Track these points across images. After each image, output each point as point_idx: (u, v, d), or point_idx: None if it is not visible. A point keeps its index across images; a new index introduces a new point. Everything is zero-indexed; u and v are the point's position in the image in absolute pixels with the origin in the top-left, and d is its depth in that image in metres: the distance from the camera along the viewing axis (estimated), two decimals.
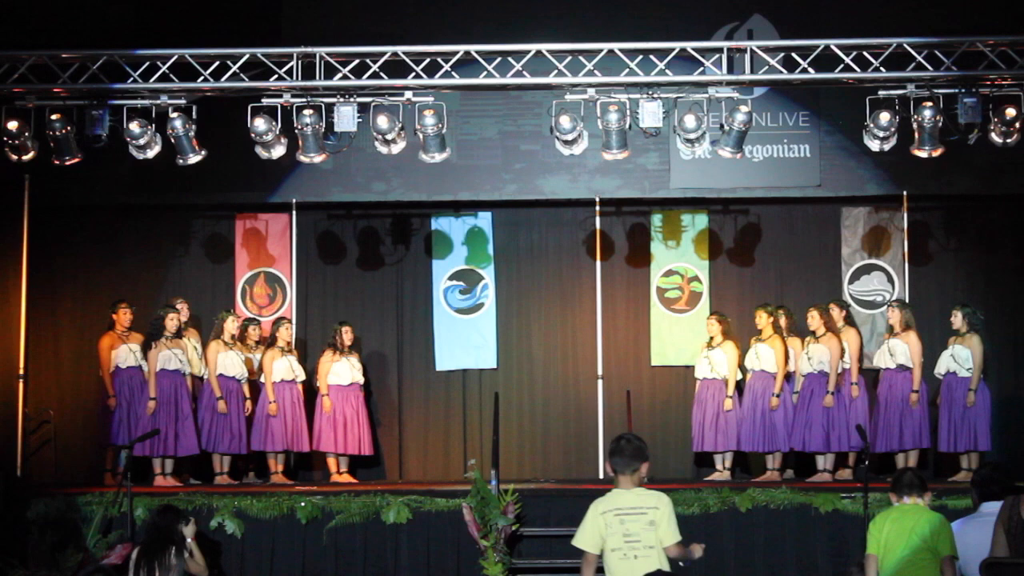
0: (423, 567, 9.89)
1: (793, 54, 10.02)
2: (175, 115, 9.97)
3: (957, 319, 11.09)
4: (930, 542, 6.60)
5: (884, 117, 9.88)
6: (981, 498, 6.84)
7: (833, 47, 9.92)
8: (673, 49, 10.03)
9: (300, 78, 9.99)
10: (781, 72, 10.07)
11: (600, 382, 12.46)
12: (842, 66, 9.92)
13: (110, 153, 10.20)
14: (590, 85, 10.02)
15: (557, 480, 11.79)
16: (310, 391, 11.80)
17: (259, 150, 10.23)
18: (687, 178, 11.97)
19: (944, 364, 11.07)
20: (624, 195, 12.16)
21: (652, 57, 10.05)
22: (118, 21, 11.17)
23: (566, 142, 10.23)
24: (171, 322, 11.13)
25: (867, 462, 9.35)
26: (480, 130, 11.99)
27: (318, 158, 10.29)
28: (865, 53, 9.92)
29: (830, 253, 12.51)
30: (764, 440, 11.23)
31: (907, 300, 11.86)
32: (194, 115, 10.07)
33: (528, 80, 10.11)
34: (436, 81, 10.02)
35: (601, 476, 11.99)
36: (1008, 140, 9.98)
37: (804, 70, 9.98)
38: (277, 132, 10.07)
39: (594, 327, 12.57)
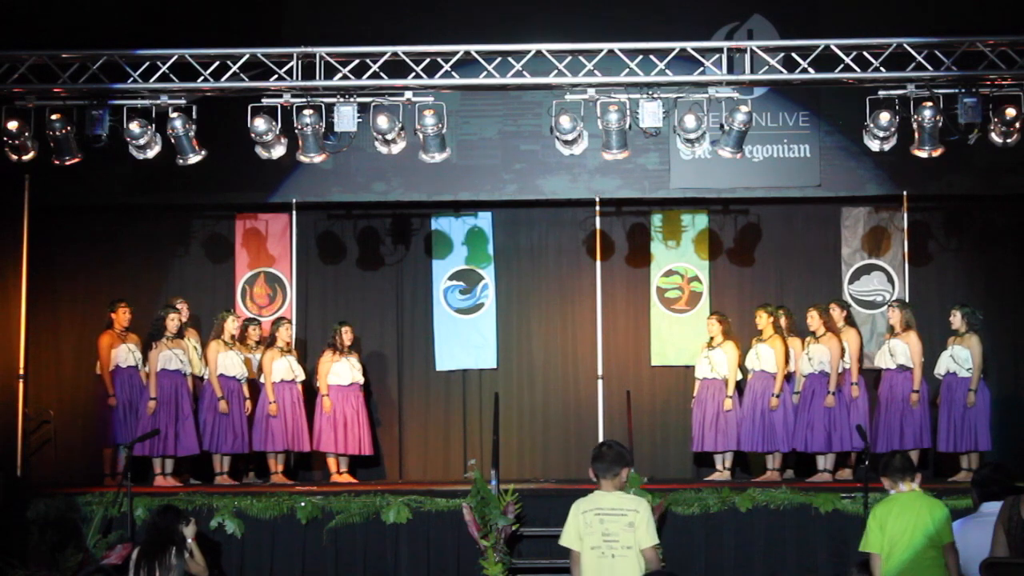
0: (423, 567, 9.90)
1: (793, 54, 10.02)
2: (175, 115, 9.96)
3: (956, 319, 11.10)
4: (935, 538, 6.62)
5: (884, 117, 9.88)
6: (981, 498, 6.84)
7: (833, 47, 9.91)
8: (673, 49, 10.02)
9: (300, 78, 9.98)
10: (781, 72, 10.07)
11: (600, 382, 12.46)
12: (842, 66, 9.91)
13: (110, 153, 10.19)
14: (590, 85, 10.02)
15: (557, 480, 11.79)
16: (310, 391, 11.80)
17: (259, 150, 10.23)
18: (687, 178, 11.97)
19: (944, 364, 11.08)
20: (624, 195, 12.15)
21: (652, 57, 10.05)
22: (118, 21, 11.16)
23: (566, 142, 10.23)
24: (172, 322, 11.13)
25: (867, 462, 9.35)
26: (480, 130, 11.99)
27: (318, 158, 10.28)
28: (865, 53, 9.91)
29: (830, 253, 12.51)
30: (764, 440, 11.23)
31: (907, 300, 11.86)
32: (194, 115, 10.06)
33: (528, 80, 10.10)
34: (436, 81, 10.01)
35: None
36: (1008, 140, 9.97)
37: (804, 70, 9.97)
38: (277, 132, 10.06)
39: (594, 327, 12.57)
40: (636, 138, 10.47)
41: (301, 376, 11.68)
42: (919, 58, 9.84)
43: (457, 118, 11.59)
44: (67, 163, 10.11)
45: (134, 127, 9.90)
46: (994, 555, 6.25)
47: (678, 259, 12.56)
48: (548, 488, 10.86)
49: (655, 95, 9.97)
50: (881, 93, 9.96)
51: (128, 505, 9.57)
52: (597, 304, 12.58)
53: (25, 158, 10.14)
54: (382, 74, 9.99)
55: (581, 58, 10.02)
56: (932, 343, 11.36)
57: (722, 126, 10.09)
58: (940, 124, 9.86)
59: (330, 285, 12.81)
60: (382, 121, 10.04)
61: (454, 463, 12.19)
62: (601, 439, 12.16)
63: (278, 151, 10.27)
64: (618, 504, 6.55)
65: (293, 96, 10.01)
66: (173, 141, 10.04)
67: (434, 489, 10.27)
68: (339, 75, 9.99)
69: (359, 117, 10.01)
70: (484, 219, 12.74)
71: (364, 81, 9.98)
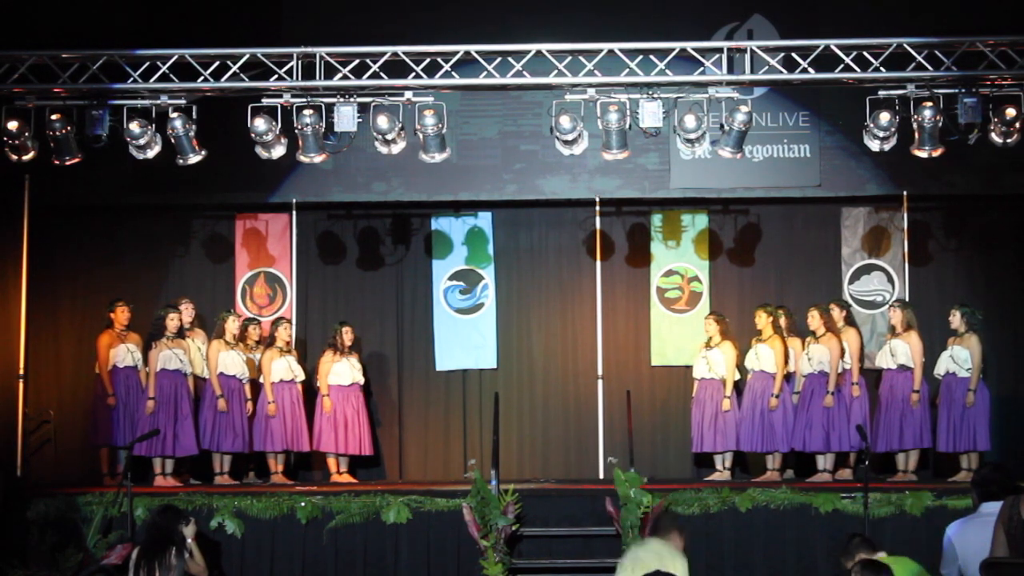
0: (423, 567, 9.90)
1: (793, 54, 10.02)
2: (175, 115, 9.96)
3: (955, 319, 11.09)
4: None
5: (884, 117, 9.88)
6: (981, 498, 6.83)
7: (833, 47, 9.92)
8: (673, 49, 10.03)
9: (300, 78, 9.99)
10: (781, 72, 10.07)
11: (600, 382, 12.46)
12: (842, 66, 9.92)
13: (110, 153, 10.19)
14: (590, 85, 10.02)
15: (557, 480, 11.79)
16: (310, 391, 11.80)
17: (259, 150, 10.23)
18: (687, 178, 11.97)
19: (943, 365, 11.07)
20: (624, 195, 12.15)
21: (652, 57, 10.05)
22: (118, 21, 11.17)
23: (566, 142, 10.23)
24: (172, 322, 11.12)
25: (867, 462, 9.35)
26: (480, 130, 11.99)
27: (318, 158, 10.28)
28: (865, 53, 9.91)
29: (830, 253, 12.51)
30: (763, 440, 11.23)
31: (907, 300, 11.85)
32: (194, 115, 10.06)
33: (528, 80, 10.10)
34: (436, 81, 10.02)
35: (601, 476, 11.99)
36: (1008, 140, 9.97)
37: (804, 70, 9.97)
38: (277, 132, 10.06)
39: (594, 327, 12.57)
40: (636, 138, 10.47)
41: (301, 376, 11.67)
42: (919, 58, 9.84)
43: (457, 118, 11.58)
44: (67, 163, 10.11)
45: (134, 127, 9.91)
46: (994, 555, 6.24)
47: (678, 259, 12.55)
48: (548, 488, 10.85)
49: (655, 95, 9.97)
50: (881, 93, 9.96)
51: (128, 505, 9.57)
52: (597, 304, 12.58)
53: (25, 158, 10.14)
54: (382, 74, 9.99)
55: (581, 58, 10.02)
56: (932, 343, 11.34)
57: (722, 126, 10.09)
58: (940, 124, 9.86)
59: (330, 285, 12.80)
60: (382, 121, 10.04)
61: (454, 463, 12.19)
62: (601, 439, 12.23)
63: (278, 151, 10.27)
64: (658, 550, 6.66)
65: (293, 96, 10.01)
66: (173, 141, 10.04)
67: (434, 489, 10.27)
68: (339, 75, 9.99)
69: (359, 117, 10.01)
70: (484, 219, 12.73)
71: (364, 81, 9.99)
